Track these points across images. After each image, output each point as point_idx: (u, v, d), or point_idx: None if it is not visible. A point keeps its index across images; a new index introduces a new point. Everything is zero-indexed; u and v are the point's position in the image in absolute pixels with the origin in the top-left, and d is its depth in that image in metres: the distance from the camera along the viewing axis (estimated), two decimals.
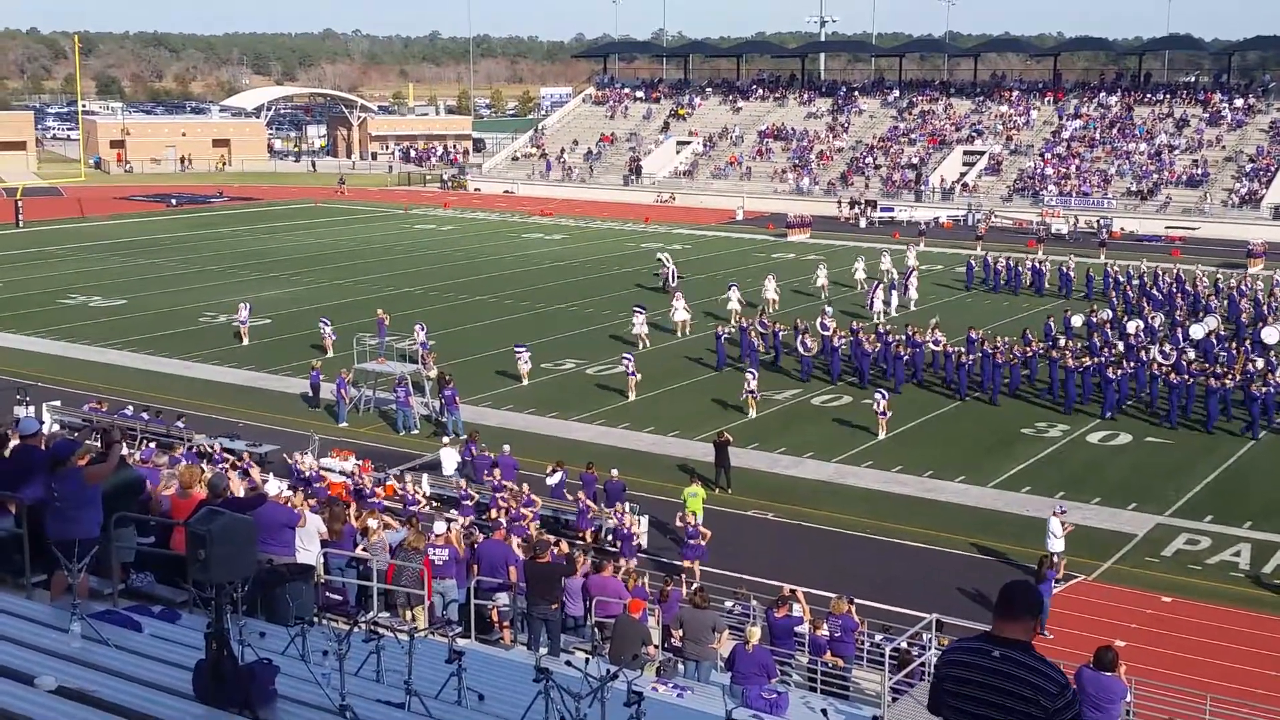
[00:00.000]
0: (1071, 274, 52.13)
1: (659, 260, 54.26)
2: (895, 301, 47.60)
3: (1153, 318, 41.95)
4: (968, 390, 35.15)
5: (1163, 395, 33.42)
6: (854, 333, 37.76)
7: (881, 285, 47.81)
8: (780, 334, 39.00)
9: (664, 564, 23.07)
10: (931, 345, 37.38)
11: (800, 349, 37.25)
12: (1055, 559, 21.84)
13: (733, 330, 39.70)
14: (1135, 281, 49.42)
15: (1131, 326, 40.21)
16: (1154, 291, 47.12)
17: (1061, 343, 37.55)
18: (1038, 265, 53.37)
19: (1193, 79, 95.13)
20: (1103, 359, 35.09)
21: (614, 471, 25.48)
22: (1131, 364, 34.98)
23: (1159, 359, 35.22)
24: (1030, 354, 36.69)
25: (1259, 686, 18.60)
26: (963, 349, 36.12)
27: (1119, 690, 13.69)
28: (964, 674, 5.49)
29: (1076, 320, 42.15)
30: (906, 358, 36.47)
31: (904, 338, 37.22)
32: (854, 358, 37.10)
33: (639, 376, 35.27)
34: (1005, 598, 5.58)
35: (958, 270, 57.92)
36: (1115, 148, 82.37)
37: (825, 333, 38.27)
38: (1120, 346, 37.43)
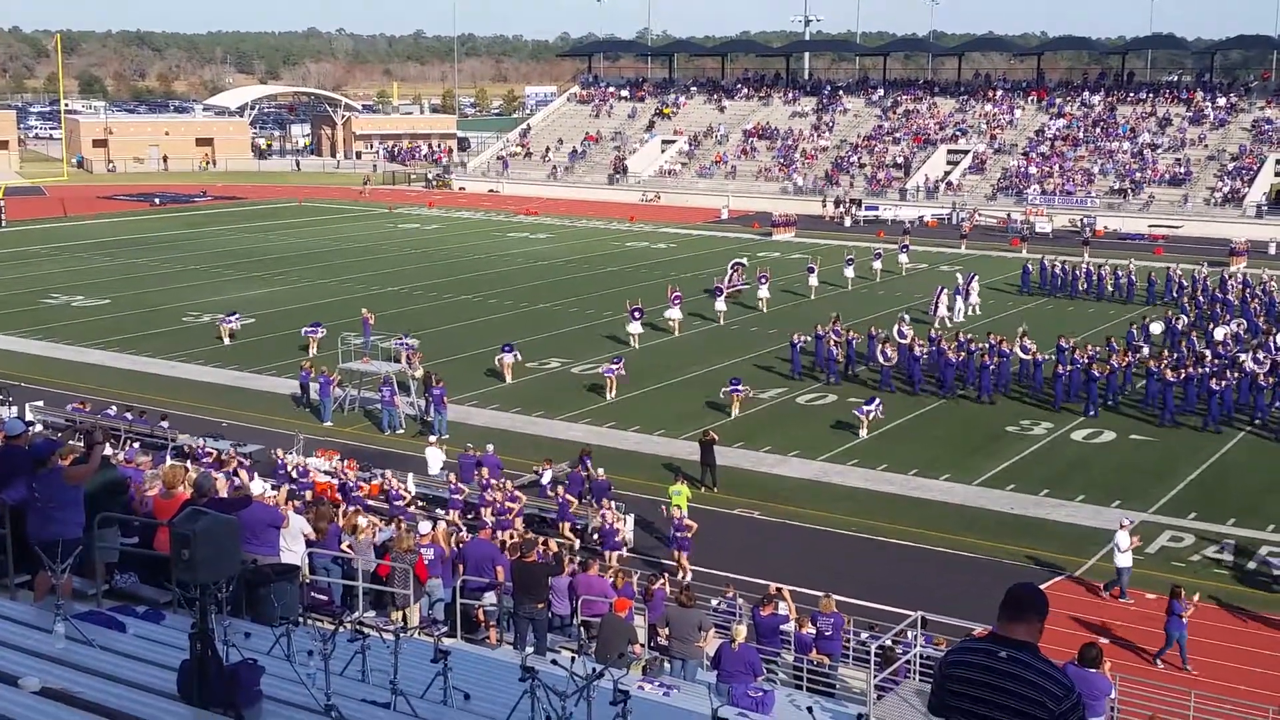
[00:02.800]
0: (1134, 279, 50.60)
1: (739, 265, 51.53)
2: (961, 308, 46.07)
3: (1237, 324, 40.56)
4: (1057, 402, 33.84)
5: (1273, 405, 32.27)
6: (933, 341, 36.56)
7: (946, 291, 45.66)
8: (854, 342, 37.70)
9: (651, 561, 23.09)
10: (1020, 354, 36.11)
11: (880, 358, 35.78)
12: (1183, 591, 19.79)
13: (808, 339, 37.91)
14: (1202, 287, 47.61)
15: (1219, 334, 38.82)
16: (1227, 296, 45.62)
17: (1145, 351, 36.42)
18: (1093, 269, 51.72)
19: (1175, 78, 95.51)
20: (1206, 369, 33.38)
21: (600, 471, 25.49)
22: (1235, 374, 33.43)
23: (1256, 368, 33.67)
24: (1128, 364, 35.00)
25: (1242, 683, 18.68)
26: (1056, 358, 34.70)
27: (1103, 687, 13.74)
28: (969, 674, 5.48)
29: (1156, 328, 40.29)
30: (993, 367, 34.92)
31: (987, 346, 35.80)
32: (937, 367, 35.62)
33: (621, 374, 35.19)
34: (1013, 599, 5.55)
35: (944, 268, 58.07)
36: (1098, 146, 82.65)
37: (903, 340, 36.90)
38: (1209, 355, 35.50)
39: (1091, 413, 33.14)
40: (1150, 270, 52.06)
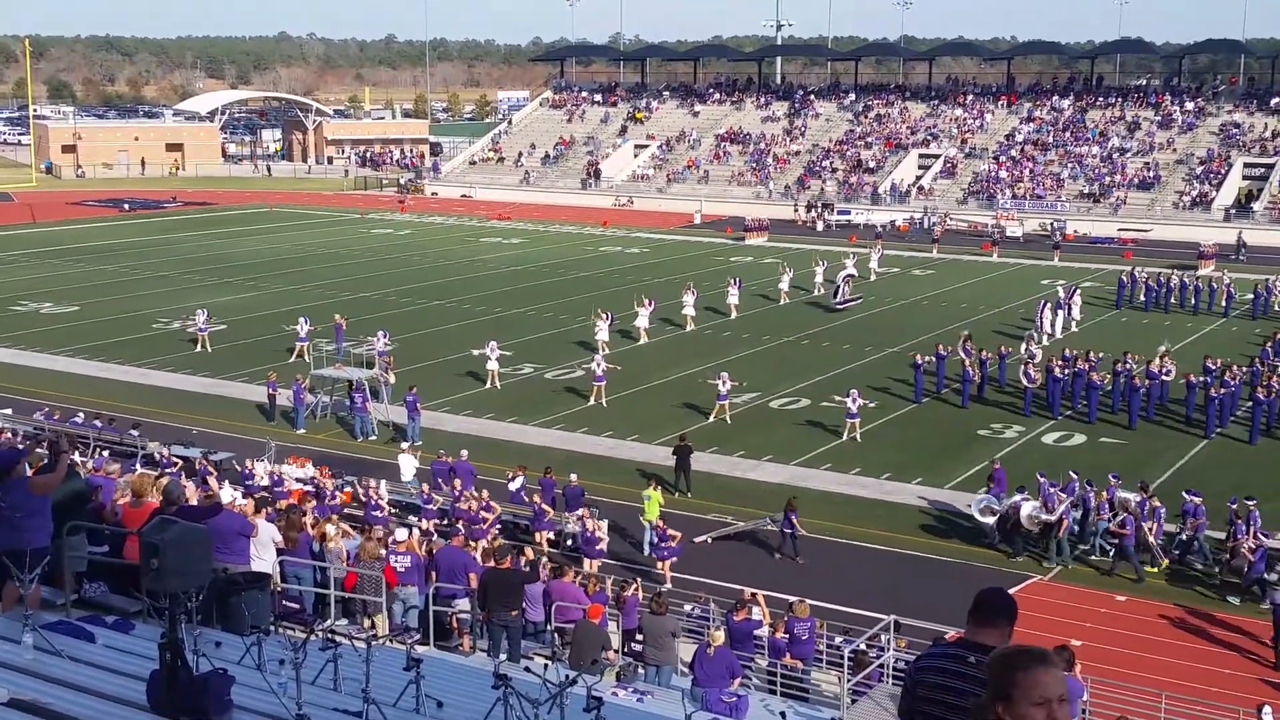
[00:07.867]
0: (1233, 291, 48.93)
1: (850, 277, 50.10)
2: (1061, 323, 43.80)
3: None
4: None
5: None
6: (1067, 361, 34.56)
7: (1049, 303, 43.55)
8: (987, 362, 35.86)
9: (626, 567, 23.05)
10: (1163, 375, 34.21)
11: (1023, 379, 34.16)
12: None
13: (929, 360, 35.89)
14: None
15: None
16: None
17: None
18: (1188, 281, 49.56)
19: (1144, 82, 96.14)
20: None
21: (573, 476, 25.43)
22: None
23: None
24: None
25: (1213, 684, 18.80)
26: (1208, 379, 33.13)
27: (1075, 690, 13.81)
28: (938, 680, 5.47)
29: None
30: (1144, 390, 33.10)
31: (1129, 366, 33.94)
32: (1080, 390, 33.74)
33: (605, 381, 35.06)
34: (982, 604, 5.54)
35: (915, 272, 58.30)
36: (1068, 151, 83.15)
37: (1032, 360, 35.26)
38: None
39: (1254, 440, 31.57)
40: (1256, 282, 49.78)
